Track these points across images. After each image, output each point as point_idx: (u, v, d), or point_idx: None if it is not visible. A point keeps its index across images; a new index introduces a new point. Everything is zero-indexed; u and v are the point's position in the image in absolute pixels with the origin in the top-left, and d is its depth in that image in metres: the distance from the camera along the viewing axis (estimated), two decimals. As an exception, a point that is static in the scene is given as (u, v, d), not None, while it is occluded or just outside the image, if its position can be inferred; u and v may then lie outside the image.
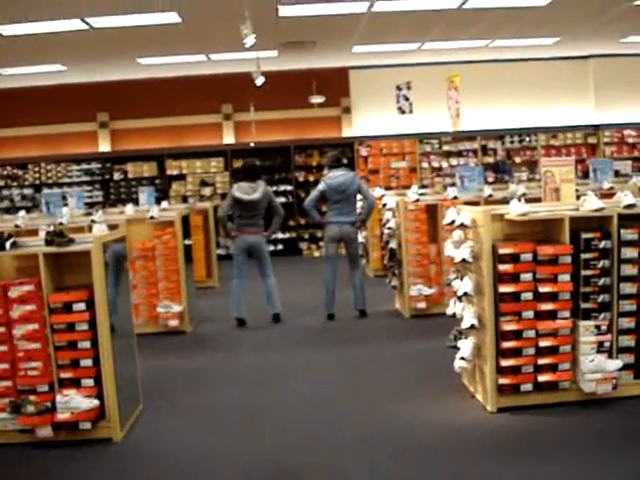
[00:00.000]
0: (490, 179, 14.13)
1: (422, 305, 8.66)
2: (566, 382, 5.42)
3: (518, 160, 15.43)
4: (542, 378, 5.38)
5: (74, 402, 5.09)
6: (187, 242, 9.16)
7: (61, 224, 8.09)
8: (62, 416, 5.10)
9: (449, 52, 13.86)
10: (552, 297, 5.35)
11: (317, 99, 14.91)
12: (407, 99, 14.81)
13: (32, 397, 5.15)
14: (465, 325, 5.60)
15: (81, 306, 5.17)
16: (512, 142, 15.48)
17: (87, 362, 5.20)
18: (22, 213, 9.40)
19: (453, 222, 5.82)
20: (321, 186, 8.74)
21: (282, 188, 15.48)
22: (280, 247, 15.14)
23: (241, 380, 6.64)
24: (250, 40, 8.31)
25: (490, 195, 8.29)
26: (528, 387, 5.40)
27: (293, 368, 6.93)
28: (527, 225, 5.51)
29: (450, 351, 5.85)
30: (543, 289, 5.33)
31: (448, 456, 4.72)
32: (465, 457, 4.69)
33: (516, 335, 5.34)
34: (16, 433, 5.24)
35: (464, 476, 4.42)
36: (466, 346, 5.63)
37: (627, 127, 15.42)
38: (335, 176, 8.70)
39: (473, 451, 4.78)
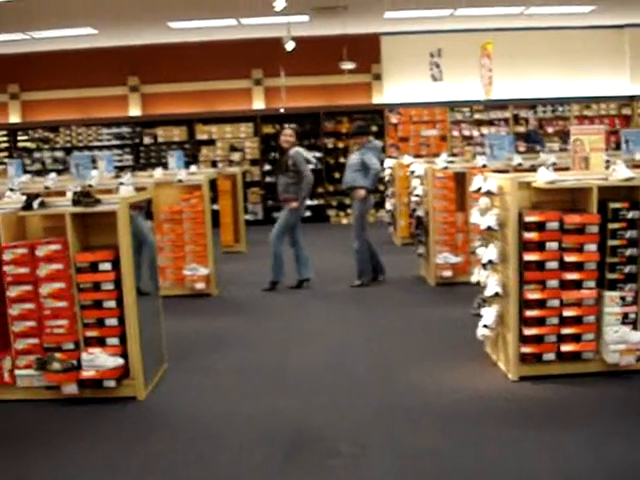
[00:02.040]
0: (521, 148, 13.97)
1: (448, 273, 8.63)
2: (589, 352, 5.38)
3: (550, 130, 15.26)
4: (565, 348, 5.35)
5: (99, 360, 5.17)
6: (215, 207, 9.21)
7: (90, 186, 8.14)
8: (87, 374, 5.19)
9: (482, 19, 13.67)
10: (577, 267, 5.30)
11: (348, 65, 14.80)
12: (438, 66, 14.66)
13: (58, 354, 5.24)
14: (489, 293, 5.58)
15: (107, 266, 5.23)
16: (545, 112, 15.32)
17: (112, 321, 5.27)
18: (52, 175, 9.49)
19: (480, 189, 5.77)
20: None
21: (311, 154, 15.42)
22: (308, 214, 15.16)
23: (265, 343, 6.70)
24: (280, 3, 8.26)
25: (519, 164, 8.18)
26: (551, 356, 5.38)
27: (317, 332, 6.96)
28: (554, 194, 5.44)
29: (474, 319, 5.84)
30: (569, 258, 5.27)
31: (469, 423, 4.73)
32: (486, 424, 4.70)
33: (540, 304, 5.30)
34: (42, 390, 5.34)
35: (485, 442, 4.43)
36: (489, 314, 5.61)
37: (663, 98, 15.17)
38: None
39: (494, 418, 4.78)
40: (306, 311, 7.84)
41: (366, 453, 4.37)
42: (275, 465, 4.27)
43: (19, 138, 15.64)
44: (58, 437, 4.80)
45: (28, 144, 15.61)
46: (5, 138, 15.60)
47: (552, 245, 5.28)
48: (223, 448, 4.52)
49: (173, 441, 4.67)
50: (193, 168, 10.33)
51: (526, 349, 5.35)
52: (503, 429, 4.61)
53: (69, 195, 5.45)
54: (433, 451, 4.35)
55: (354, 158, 8.97)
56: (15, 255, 5.27)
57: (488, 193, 5.64)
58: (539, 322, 5.33)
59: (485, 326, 5.60)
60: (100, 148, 15.19)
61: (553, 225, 5.26)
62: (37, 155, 15.57)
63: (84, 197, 5.30)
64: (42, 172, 13.97)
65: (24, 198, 5.39)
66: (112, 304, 5.26)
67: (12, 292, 5.29)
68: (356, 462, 4.26)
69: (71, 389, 5.24)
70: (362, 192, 8.74)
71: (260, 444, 4.57)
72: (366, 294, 8.49)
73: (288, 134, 8.91)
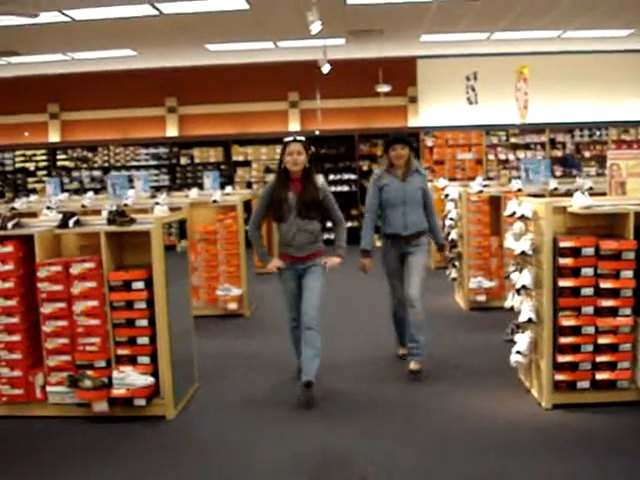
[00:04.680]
0: (558, 173, 13.86)
1: (482, 298, 8.56)
2: (625, 381, 5.28)
3: (587, 154, 15.11)
4: (600, 376, 5.25)
5: (130, 379, 5.19)
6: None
7: (126, 205, 8.24)
8: (118, 392, 5.21)
9: (518, 43, 13.63)
10: (613, 293, 5.21)
11: (383, 88, 14.84)
12: (474, 89, 14.63)
13: (90, 372, 5.27)
14: (522, 319, 5.50)
15: (140, 285, 5.26)
16: (582, 136, 15.18)
17: (144, 340, 5.30)
18: (90, 194, 9.63)
19: (514, 214, 5.72)
20: None
21: (346, 177, 15.49)
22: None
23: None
24: (316, 27, 8.33)
25: (555, 188, 8.11)
26: (585, 384, 5.29)
27: (349, 358, 6.91)
28: (590, 219, 5.38)
29: (507, 345, 5.76)
30: (604, 285, 5.19)
31: (498, 451, 4.65)
32: (516, 453, 4.62)
33: (574, 331, 5.22)
34: (73, 407, 5.37)
35: (512, 470, 4.35)
36: (523, 340, 5.53)
37: (702, 123, 14.95)
38: None
39: (525, 447, 4.70)
40: (337, 334, 7.79)
41: (393, 477, 4.32)
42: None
43: (58, 157, 15.86)
44: (88, 454, 4.82)
45: (67, 163, 15.84)
46: (45, 157, 15.84)
47: (587, 271, 5.20)
48: (251, 469, 4.50)
49: (202, 461, 4.66)
50: (228, 189, 10.40)
51: (560, 377, 5.27)
52: (534, 459, 4.53)
53: (104, 214, 5.51)
54: (462, 476, 4.29)
55: (414, 185, 6.22)
56: (50, 272, 5.33)
57: (522, 217, 5.58)
58: (573, 349, 5.25)
59: (518, 352, 5.52)
60: (137, 168, 15.35)
61: (589, 251, 5.18)
62: (75, 174, 15.79)
63: (119, 216, 5.36)
64: (80, 191, 14.19)
65: (60, 216, 5.46)
66: (144, 323, 5.29)
67: (46, 309, 5.34)
68: (385, 487, 4.22)
69: (102, 407, 5.27)
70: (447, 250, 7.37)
71: (288, 466, 4.54)
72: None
73: (296, 151, 5.71)
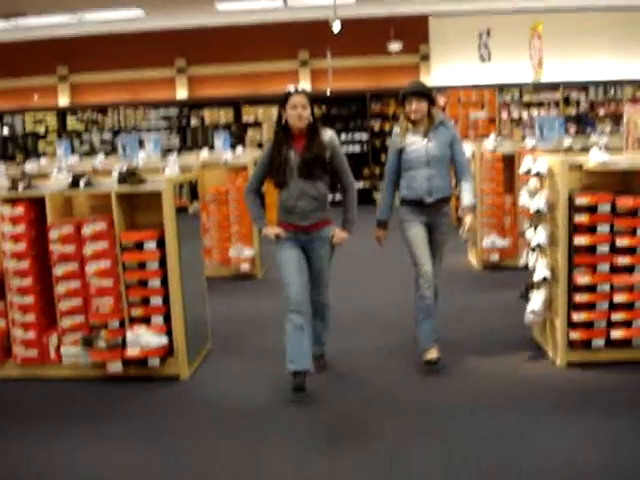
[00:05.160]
0: (572, 130, 13.69)
1: (495, 257, 8.51)
2: (640, 339, 5.26)
3: (602, 112, 14.90)
4: (615, 334, 5.22)
5: (144, 339, 5.20)
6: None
7: (137, 166, 8.19)
8: (132, 352, 5.22)
9: (533, -2, 13.39)
10: (629, 251, 5.16)
11: (395, 46, 14.65)
12: (487, 47, 14.43)
13: (103, 333, 5.28)
14: (537, 277, 5.46)
15: (152, 245, 5.24)
16: (596, 94, 14.95)
17: (157, 300, 5.29)
18: (100, 156, 9.57)
19: (529, 171, 5.64)
20: None
21: (357, 137, 15.37)
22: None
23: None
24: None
25: (570, 146, 8.01)
26: (600, 343, 5.26)
27: (360, 319, 6.89)
28: (606, 176, 5.29)
29: (521, 304, 5.73)
30: (620, 242, 5.13)
31: (513, 408, 4.65)
32: (531, 410, 4.61)
33: (590, 289, 5.18)
34: (87, 368, 5.40)
35: (529, 429, 4.34)
36: (537, 299, 5.49)
37: None
38: None
39: (540, 404, 4.69)
40: (348, 296, 7.77)
41: (411, 435, 4.32)
42: (317, 445, 4.25)
43: (68, 120, 15.80)
44: (103, 414, 4.85)
45: (77, 126, 15.77)
46: (55, 120, 15.77)
47: (603, 228, 5.14)
48: (265, 428, 4.51)
49: (215, 420, 4.68)
50: (239, 149, 10.33)
51: (575, 335, 5.24)
52: (549, 416, 4.52)
53: (115, 175, 5.48)
54: (477, 435, 4.29)
55: (440, 142, 5.37)
56: (61, 233, 5.31)
57: (538, 175, 5.51)
58: (588, 307, 5.22)
59: (533, 311, 5.49)
60: (148, 130, 15.28)
61: (605, 208, 5.12)
62: (86, 137, 15.74)
63: (130, 176, 5.32)
64: (90, 153, 14.12)
65: (71, 177, 5.43)
66: (157, 283, 5.28)
67: (58, 270, 5.34)
68: (401, 444, 4.22)
69: (116, 367, 5.28)
70: (470, 216, 5.51)
71: (302, 425, 4.55)
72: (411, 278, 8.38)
73: (301, 104, 4.93)
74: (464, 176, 5.48)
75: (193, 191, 8.83)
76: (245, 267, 8.60)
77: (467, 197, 5.42)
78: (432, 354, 5.39)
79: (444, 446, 4.18)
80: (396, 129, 5.50)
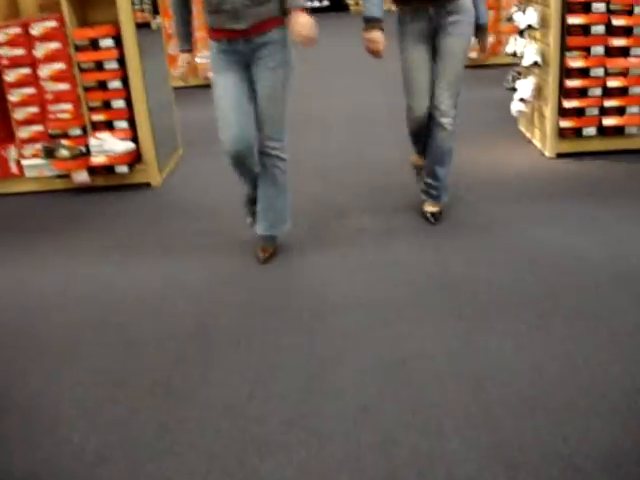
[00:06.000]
0: None
1: (473, 55, 8.06)
2: (633, 127, 5.00)
3: None
4: (607, 122, 4.96)
5: (108, 145, 4.86)
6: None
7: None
8: (97, 159, 4.90)
9: None
10: (626, 31, 4.80)
11: None
12: None
13: (65, 141, 4.93)
14: (527, 62, 5.10)
15: (108, 42, 4.79)
16: None
17: (119, 103, 4.92)
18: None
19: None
20: None
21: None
22: (326, 3, 14.27)
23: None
24: None
25: None
26: (591, 131, 5.01)
27: (339, 122, 6.56)
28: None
29: (504, 98, 5.41)
30: (617, 22, 4.76)
31: (506, 200, 4.43)
32: (525, 200, 4.40)
33: (582, 73, 4.86)
34: (53, 180, 5.09)
35: (529, 214, 4.15)
36: (526, 86, 5.17)
37: None
38: None
39: (531, 194, 4.48)
40: (326, 95, 7.41)
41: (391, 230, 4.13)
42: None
43: None
44: (73, 225, 4.58)
45: None
46: None
47: (599, 6, 4.75)
48: (237, 226, 4.27)
49: (188, 224, 4.44)
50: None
51: (565, 123, 4.97)
52: (542, 204, 4.32)
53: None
54: (460, 229, 4.08)
55: None
56: (9, 36, 4.84)
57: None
58: (580, 93, 4.91)
59: (521, 100, 5.18)
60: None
61: (601, -17, 4.70)
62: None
63: (77, -34, 4.78)
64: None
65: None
66: (117, 84, 4.88)
67: (10, 76, 4.92)
68: (380, 240, 4.02)
69: (82, 177, 4.98)
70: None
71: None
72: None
73: None
74: None
75: (154, 5, 8.18)
76: (212, 75, 8.11)
77: (483, 13, 3.99)
78: (431, 207, 4.21)
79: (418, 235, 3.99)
80: None
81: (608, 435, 2.31)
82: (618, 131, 5.02)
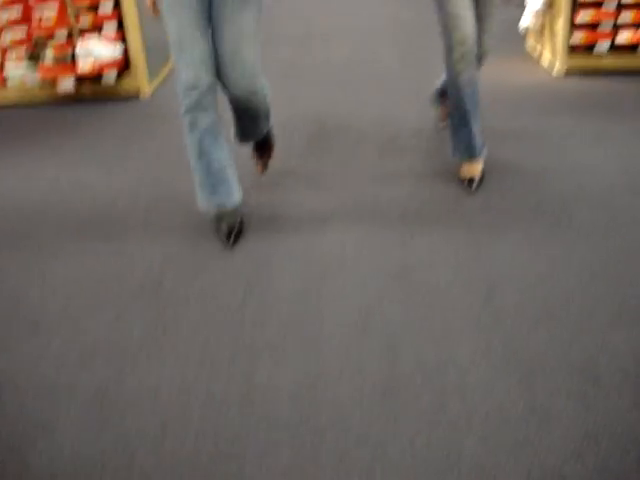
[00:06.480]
0: None
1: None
2: (647, 45, 4.77)
3: None
4: (621, 38, 4.71)
5: (95, 50, 4.59)
6: None
7: None
8: (83, 65, 4.63)
9: None
10: (645, -59, 4.54)
11: None
12: None
13: (50, 47, 4.65)
14: (539, -28, 4.84)
15: (95, -61, 4.50)
16: None
17: (107, 7, 4.62)
18: None
19: None
20: None
21: None
22: None
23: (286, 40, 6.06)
24: None
25: None
26: (604, 47, 4.76)
27: (339, 29, 6.29)
28: None
29: (515, 18, 5.13)
30: None
31: (514, 115, 4.22)
32: (533, 115, 4.18)
33: (597, -16, 4.61)
34: (37, 90, 4.83)
35: (539, 129, 3.94)
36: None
37: None
38: None
39: (542, 110, 4.26)
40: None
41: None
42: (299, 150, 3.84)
43: None
44: (58, 136, 4.32)
45: None
46: None
47: None
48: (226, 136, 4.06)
49: (177, 136, 4.20)
50: None
51: (577, 37, 4.72)
52: (550, 119, 4.11)
53: None
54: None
55: None
56: None
57: None
58: (594, 6, 4.66)
59: (532, 12, 4.92)
60: None
61: None
62: None
63: None
64: None
65: None
66: (105, -15, 4.59)
67: (-9, -22, 4.62)
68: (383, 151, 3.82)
69: (67, 85, 4.71)
70: None
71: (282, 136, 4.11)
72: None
73: None
74: None
75: None
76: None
77: None
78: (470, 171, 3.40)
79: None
80: None
81: (627, 345, 2.16)
82: (632, 48, 4.78)
